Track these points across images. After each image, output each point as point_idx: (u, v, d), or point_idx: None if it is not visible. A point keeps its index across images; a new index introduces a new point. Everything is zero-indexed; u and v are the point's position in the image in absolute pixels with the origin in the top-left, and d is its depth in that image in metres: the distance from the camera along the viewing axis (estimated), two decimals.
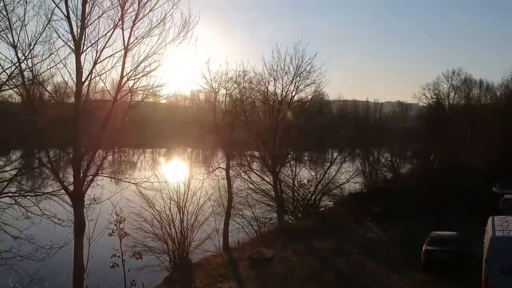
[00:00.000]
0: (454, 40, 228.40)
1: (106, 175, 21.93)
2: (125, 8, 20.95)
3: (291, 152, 41.32)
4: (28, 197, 18.58)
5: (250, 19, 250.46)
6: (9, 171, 18.40)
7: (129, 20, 21.29)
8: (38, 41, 18.96)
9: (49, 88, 23.57)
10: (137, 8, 20.79)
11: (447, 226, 29.88)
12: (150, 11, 20.79)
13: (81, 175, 21.08)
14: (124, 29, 20.81)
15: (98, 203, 22.23)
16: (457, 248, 24.32)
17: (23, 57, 18.94)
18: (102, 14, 20.67)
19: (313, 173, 42.26)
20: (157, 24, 20.93)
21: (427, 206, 37.07)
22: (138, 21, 20.80)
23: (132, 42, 21.53)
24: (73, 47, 20.88)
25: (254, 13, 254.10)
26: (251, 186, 38.96)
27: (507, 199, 35.01)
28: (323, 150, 46.78)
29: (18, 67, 18.76)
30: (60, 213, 19.78)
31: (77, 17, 20.70)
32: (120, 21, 21.17)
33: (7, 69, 18.15)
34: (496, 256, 18.74)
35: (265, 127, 38.60)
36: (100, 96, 24.20)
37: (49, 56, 19.32)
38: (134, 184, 22.65)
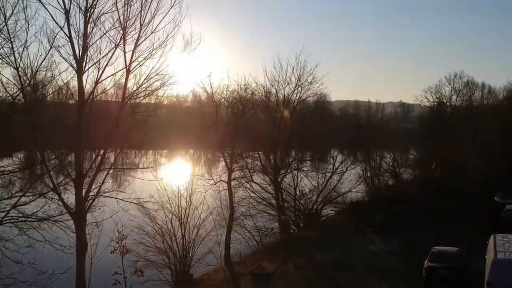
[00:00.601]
0: (454, 40, 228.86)
1: (107, 195, 21.90)
2: (127, 29, 21.01)
3: (293, 162, 41.34)
4: (29, 222, 18.50)
5: (250, 22, 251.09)
6: (12, 198, 18.34)
7: (131, 39, 21.40)
8: (40, 67, 19.01)
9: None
10: (138, 29, 20.86)
11: (448, 235, 30.07)
12: (152, 33, 20.85)
13: (83, 195, 21.23)
14: (126, 51, 20.84)
15: (100, 222, 22.24)
16: (459, 265, 24.25)
17: (26, 82, 19.00)
18: (103, 35, 20.77)
19: (314, 183, 42.18)
20: (159, 46, 20.97)
21: (429, 213, 37.19)
22: (140, 43, 20.86)
23: (134, 61, 21.67)
24: (75, 67, 20.98)
25: (254, 16, 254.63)
26: (253, 195, 38.94)
27: (509, 209, 35.13)
28: (324, 159, 46.76)
29: (21, 92, 18.81)
30: (62, 237, 19.79)
31: (79, 37, 20.80)
32: (122, 41, 21.24)
33: (11, 95, 18.09)
34: (498, 279, 18.80)
35: (267, 136, 38.61)
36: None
37: (51, 81, 19.35)
38: (136, 204, 22.71)
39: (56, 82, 21.29)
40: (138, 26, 20.95)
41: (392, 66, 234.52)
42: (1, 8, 18.37)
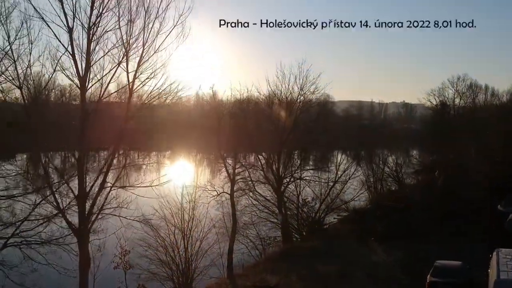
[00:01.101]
0: (454, 40, 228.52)
1: (111, 213, 21.91)
2: (129, 46, 20.99)
3: (296, 171, 41.26)
4: (32, 242, 18.49)
5: (250, 22, 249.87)
6: (15, 223, 18.36)
7: (134, 56, 21.38)
8: (45, 87, 19.04)
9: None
10: (141, 48, 20.84)
11: (451, 243, 30.04)
12: (154, 52, 20.82)
13: (87, 212, 21.26)
14: (129, 71, 20.81)
15: (103, 238, 22.30)
16: (462, 280, 24.15)
17: (30, 101, 19.07)
18: (106, 54, 20.81)
19: (317, 191, 42.09)
20: (162, 66, 20.96)
21: (432, 218, 37.21)
22: (143, 62, 20.79)
23: (137, 77, 21.67)
24: (78, 84, 21.01)
25: (254, 16, 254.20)
26: (255, 203, 38.94)
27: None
28: (327, 168, 46.70)
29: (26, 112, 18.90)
30: (65, 260, 19.80)
31: (82, 55, 20.82)
32: (125, 59, 21.20)
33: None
34: None
35: (269, 145, 38.60)
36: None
37: (55, 101, 19.41)
38: (139, 222, 22.73)
39: (59, 98, 21.34)
40: (141, 44, 20.96)
41: (393, 66, 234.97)
42: (6, 32, 18.42)
